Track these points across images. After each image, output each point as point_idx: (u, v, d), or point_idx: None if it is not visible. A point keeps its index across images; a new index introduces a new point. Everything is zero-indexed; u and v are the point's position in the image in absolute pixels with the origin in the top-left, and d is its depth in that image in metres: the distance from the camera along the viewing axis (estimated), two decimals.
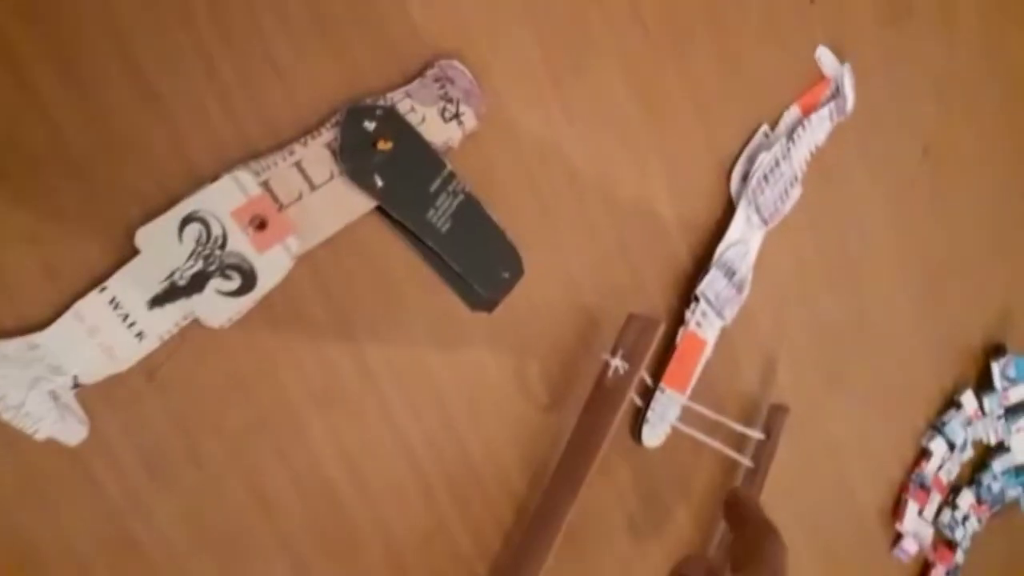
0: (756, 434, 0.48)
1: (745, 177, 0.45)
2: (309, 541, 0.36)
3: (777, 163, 0.45)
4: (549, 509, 0.40)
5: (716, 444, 0.46)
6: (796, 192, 0.47)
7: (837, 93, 0.48)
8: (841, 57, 0.48)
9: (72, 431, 0.32)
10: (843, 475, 0.55)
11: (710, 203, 0.46)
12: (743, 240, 0.45)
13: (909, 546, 0.60)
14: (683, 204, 0.44)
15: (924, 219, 0.53)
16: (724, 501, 0.38)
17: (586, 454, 0.39)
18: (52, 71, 0.30)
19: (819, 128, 0.47)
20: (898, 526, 0.59)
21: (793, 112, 0.47)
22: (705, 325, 0.45)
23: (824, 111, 0.47)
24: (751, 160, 0.45)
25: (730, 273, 0.45)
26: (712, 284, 0.45)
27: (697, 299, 0.44)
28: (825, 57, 0.48)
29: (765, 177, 0.45)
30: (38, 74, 0.30)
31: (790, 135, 0.46)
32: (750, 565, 0.34)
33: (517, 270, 0.40)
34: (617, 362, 0.40)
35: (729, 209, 0.46)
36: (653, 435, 0.44)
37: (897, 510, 0.59)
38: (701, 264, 0.46)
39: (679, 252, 0.45)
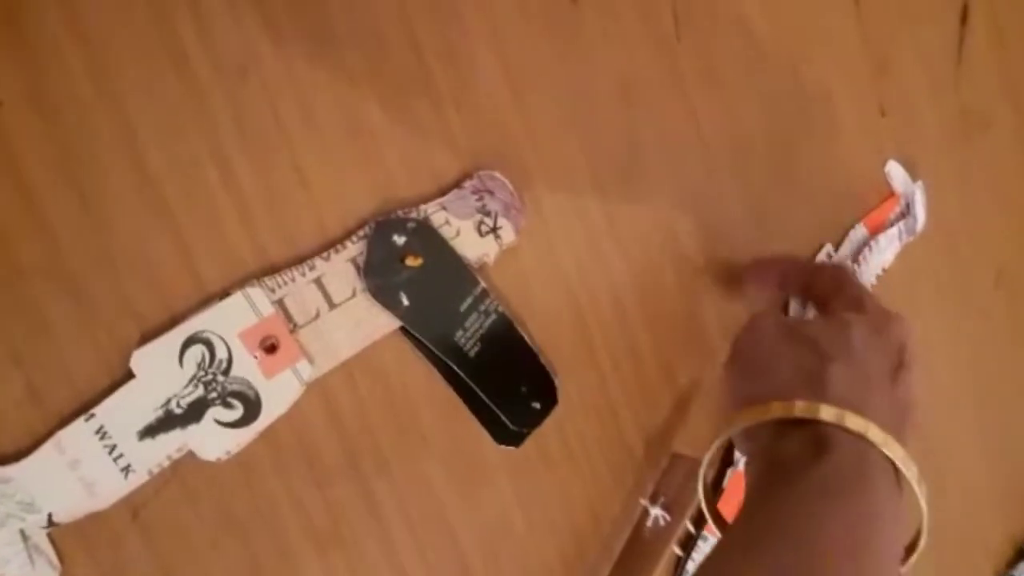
0: None
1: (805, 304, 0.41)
2: None
3: None
4: None
5: None
6: None
7: (907, 212, 0.44)
8: (913, 173, 0.44)
9: None
10: None
11: None
12: None
13: None
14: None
15: (997, 352, 0.49)
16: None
17: None
18: (51, 171, 0.27)
19: (887, 249, 0.43)
20: None
21: (859, 231, 0.43)
22: None
23: (893, 231, 0.43)
24: None
25: None
26: None
27: None
28: (895, 172, 0.44)
29: None
30: (35, 174, 0.27)
31: (855, 256, 0.42)
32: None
33: (550, 399, 0.36)
34: (657, 511, 0.36)
35: None
36: None
37: None
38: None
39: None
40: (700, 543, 0.39)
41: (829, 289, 0.36)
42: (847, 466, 0.28)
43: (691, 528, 0.38)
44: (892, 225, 0.44)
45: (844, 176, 0.43)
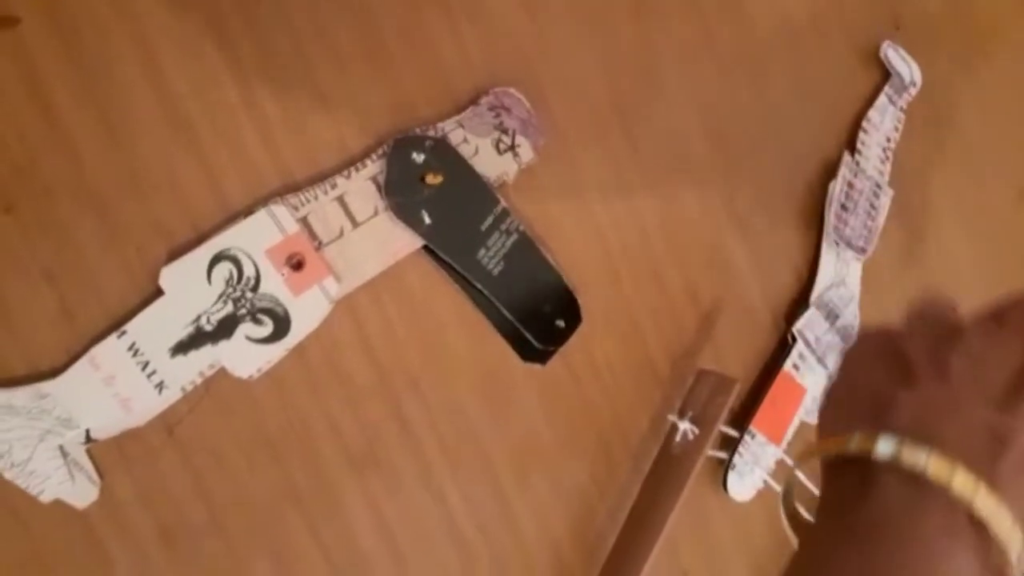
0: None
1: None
2: None
3: (850, 184, 0.41)
4: None
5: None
6: (885, 199, 0.42)
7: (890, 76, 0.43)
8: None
9: (82, 492, 0.28)
10: None
11: (789, 247, 0.41)
12: (841, 281, 0.41)
13: None
14: (758, 249, 0.40)
15: (1021, 267, 0.48)
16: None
17: (650, 529, 0.35)
18: (73, 92, 0.28)
19: (886, 120, 0.42)
20: None
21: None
22: (804, 369, 0.40)
23: (881, 99, 0.42)
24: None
25: (832, 316, 0.41)
26: (811, 325, 0.40)
27: (794, 338, 0.40)
28: (889, 53, 0.43)
29: (843, 206, 0.41)
30: (58, 95, 0.27)
31: (852, 148, 0.42)
32: None
33: (574, 318, 0.36)
34: (686, 425, 0.36)
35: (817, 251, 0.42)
36: (742, 486, 0.39)
37: None
38: (788, 311, 0.41)
39: (754, 299, 0.41)
40: (747, 438, 0.38)
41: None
42: (886, 514, 0.22)
43: (732, 432, 0.38)
44: (879, 96, 0.43)
45: (854, 84, 0.43)
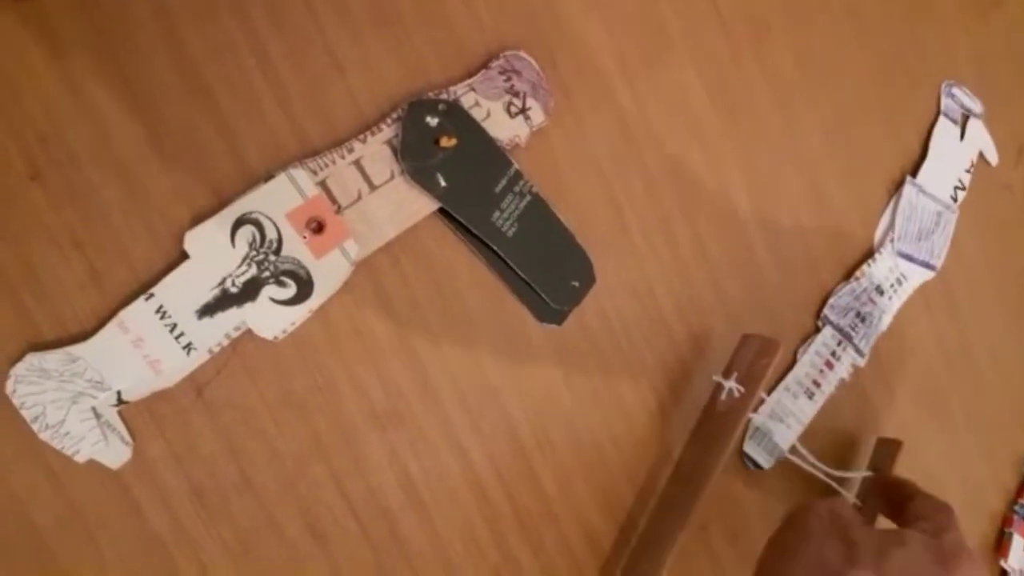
0: (863, 473, 0.43)
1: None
2: None
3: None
4: (653, 542, 0.36)
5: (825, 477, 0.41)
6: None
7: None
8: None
9: (115, 453, 0.29)
10: None
11: (794, 208, 0.42)
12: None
13: None
14: (766, 208, 0.41)
15: (1020, 228, 0.49)
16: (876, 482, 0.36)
17: (698, 479, 0.35)
18: (95, 60, 0.28)
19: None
20: (1003, 563, 0.54)
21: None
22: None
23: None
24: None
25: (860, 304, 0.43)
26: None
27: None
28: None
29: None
30: (80, 64, 0.28)
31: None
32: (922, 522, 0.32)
33: (588, 278, 0.37)
34: (732, 384, 0.37)
35: (823, 212, 0.42)
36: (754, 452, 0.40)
37: (1001, 545, 0.54)
38: (797, 276, 0.42)
39: (761, 258, 0.41)
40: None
41: (920, 509, 0.34)
42: None
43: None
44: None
45: (868, 58, 0.44)
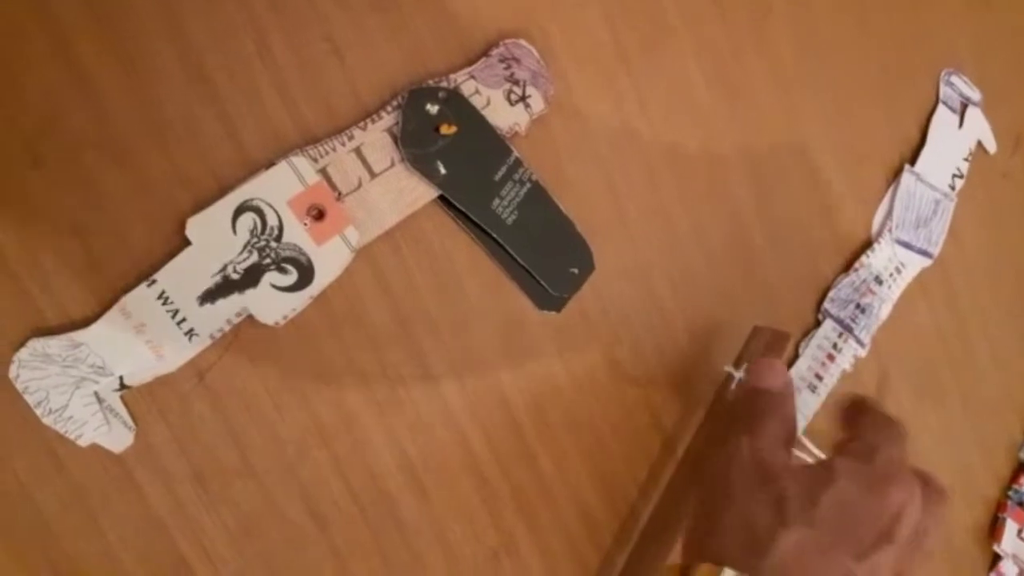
0: None
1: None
2: (367, 559, 0.33)
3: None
4: (661, 527, 0.36)
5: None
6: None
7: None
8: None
9: (118, 437, 0.29)
10: None
11: (793, 196, 0.42)
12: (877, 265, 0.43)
13: (1008, 570, 0.55)
14: (764, 195, 0.41)
15: (1019, 213, 0.49)
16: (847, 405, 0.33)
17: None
18: (97, 46, 0.28)
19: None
20: (996, 547, 0.54)
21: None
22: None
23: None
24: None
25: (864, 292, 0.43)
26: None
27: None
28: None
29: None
30: (82, 50, 0.28)
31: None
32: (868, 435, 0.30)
33: (587, 265, 0.37)
34: (742, 375, 0.37)
35: (822, 201, 0.42)
36: None
37: (994, 530, 0.55)
38: (795, 266, 0.42)
39: (759, 245, 0.41)
40: None
41: (863, 429, 0.31)
42: None
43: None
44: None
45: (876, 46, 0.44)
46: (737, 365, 0.38)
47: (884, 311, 0.44)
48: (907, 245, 0.44)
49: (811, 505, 0.27)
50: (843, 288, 0.43)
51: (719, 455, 0.31)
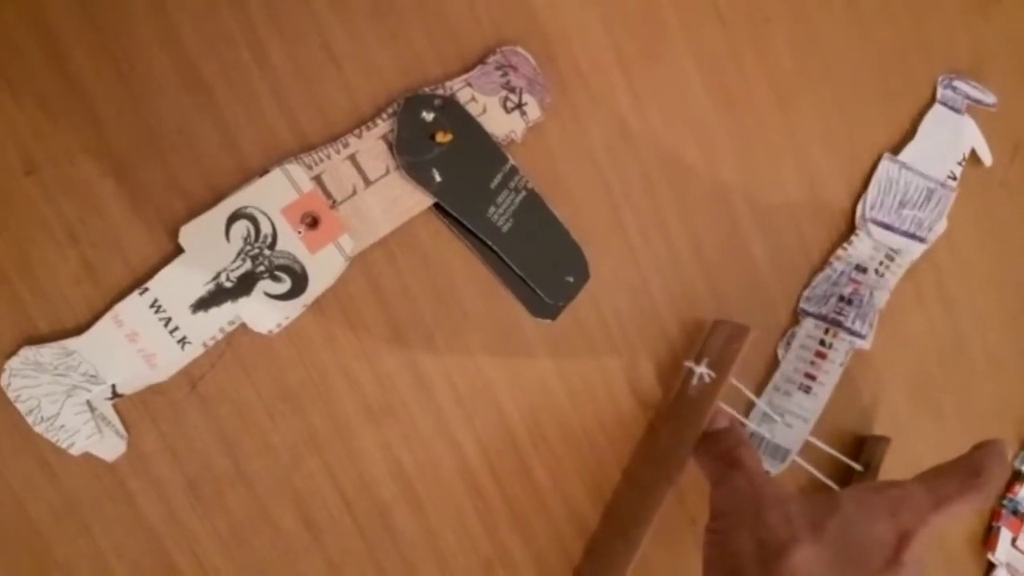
0: (855, 465, 0.43)
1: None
2: (360, 568, 0.33)
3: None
4: (619, 531, 0.36)
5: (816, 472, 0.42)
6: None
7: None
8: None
9: (110, 446, 0.29)
10: None
11: (792, 204, 0.42)
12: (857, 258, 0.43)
13: None
14: (763, 205, 0.41)
15: (1018, 222, 0.49)
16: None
17: (670, 463, 0.35)
18: (92, 54, 0.28)
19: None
20: (990, 556, 0.54)
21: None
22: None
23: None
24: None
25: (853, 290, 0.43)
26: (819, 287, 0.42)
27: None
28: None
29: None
30: (77, 57, 0.28)
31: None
32: None
33: (583, 274, 0.37)
34: (703, 369, 0.37)
35: (820, 208, 0.42)
36: None
37: (989, 539, 0.55)
38: (792, 271, 0.42)
39: (758, 254, 0.41)
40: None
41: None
42: None
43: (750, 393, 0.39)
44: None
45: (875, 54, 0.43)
46: (698, 360, 0.38)
47: (879, 298, 0.44)
48: (888, 227, 0.43)
49: (819, 528, 0.28)
50: (818, 285, 0.43)
51: (722, 492, 0.32)
